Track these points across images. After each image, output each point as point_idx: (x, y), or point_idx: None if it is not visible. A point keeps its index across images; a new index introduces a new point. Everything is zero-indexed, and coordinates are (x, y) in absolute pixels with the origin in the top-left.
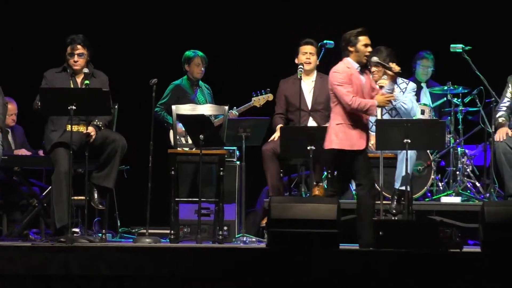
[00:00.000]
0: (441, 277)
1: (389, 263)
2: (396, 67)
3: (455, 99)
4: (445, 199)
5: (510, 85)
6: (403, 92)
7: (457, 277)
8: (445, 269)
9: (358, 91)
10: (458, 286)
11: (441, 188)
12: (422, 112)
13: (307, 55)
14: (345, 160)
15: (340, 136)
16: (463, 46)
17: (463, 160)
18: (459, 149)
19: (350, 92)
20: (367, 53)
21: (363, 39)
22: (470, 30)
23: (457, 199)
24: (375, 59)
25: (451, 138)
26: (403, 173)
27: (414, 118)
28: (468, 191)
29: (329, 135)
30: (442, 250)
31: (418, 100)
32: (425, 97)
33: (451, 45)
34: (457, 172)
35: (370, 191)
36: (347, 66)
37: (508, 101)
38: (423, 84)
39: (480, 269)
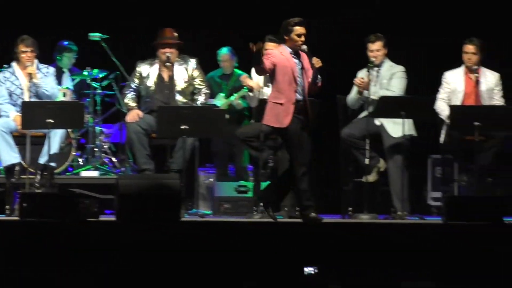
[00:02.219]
0: (78, 242)
1: (33, 233)
2: (318, 63)
3: (94, 82)
4: (84, 173)
5: (138, 70)
6: (46, 77)
7: (94, 243)
8: (83, 236)
9: (288, 72)
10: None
11: (81, 163)
12: (64, 95)
13: None
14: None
15: (269, 113)
16: (101, 35)
17: (100, 138)
18: (97, 128)
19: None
20: (300, 42)
21: (296, 29)
22: (108, 20)
23: (95, 173)
24: (304, 48)
25: (90, 118)
26: (48, 150)
27: (56, 100)
28: (106, 165)
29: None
30: (81, 219)
31: (60, 84)
32: (67, 82)
33: (90, 34)
34: (96, 149)
35: (300, 165)
36: (280, 51)
37: (136, 86)
38: (65, 70)
39: (115, 236)
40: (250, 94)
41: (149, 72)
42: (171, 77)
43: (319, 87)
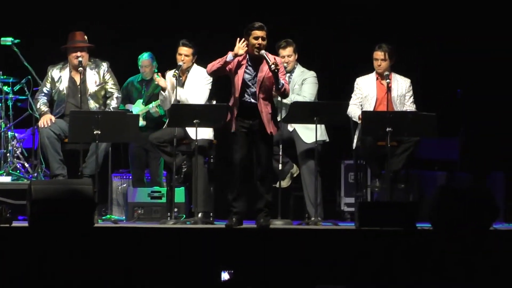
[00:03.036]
0: None
1: None
2: (273, 65)
3: (6, 87)
4: None
5: (50, 75)
6: None
7: (6, 249)
8: None
9: (235, 79)
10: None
11: None
12: None
13: None
14: None
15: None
16: (12, 39)
17: (13, 143)
18: (9, 133)
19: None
20: (257, 46)
21: (253, 33)
22: (17, 23)
23: (7, 179)
24: (262, 52)
25: (1, 123)
26: None
27: None
28: (18, 171)
29: None
30: None
31: None
32: None
33: (1, 38)
34: (8, 154)
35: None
36: (238, 57)
37: (47, 90)
38: None
39: (28, 242)
40: (163, 93)
41: (60, 76)
42: (83, 81)
43: (282, 91)
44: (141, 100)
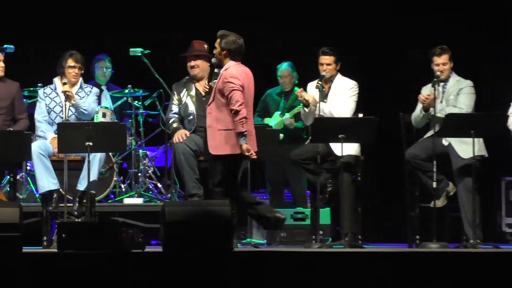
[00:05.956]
0: (121, 276)
1: (72, 264)
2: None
3: (136, 102)
4: (127, 201)
5: (175, 92)
6: (88, 95)
7: (139, 277)
8: (127, 268)
9: (251, 95)
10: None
11: (123, 189)
12: (104, 115)
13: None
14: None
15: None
16: (142, 50)
17: (144, 161)
18: (140, 151)
19: None
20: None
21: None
22: (146, 34)
23: (139, 200)
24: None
25: (132, 140)
26: (87, 176)
27: (95, 120)
28: (150, 192)
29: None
30: (124, 250)
31: (99, 103)
32: (106, 100)
33: (131, 49)
34: (139, 174)
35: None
36: (244, 71)
37: (177, 108)
38: (104, 87)
39: (162, 268)
40: (306, 109)
41: (186, 90)
42: (209, 91)
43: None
44: (279, 112)
